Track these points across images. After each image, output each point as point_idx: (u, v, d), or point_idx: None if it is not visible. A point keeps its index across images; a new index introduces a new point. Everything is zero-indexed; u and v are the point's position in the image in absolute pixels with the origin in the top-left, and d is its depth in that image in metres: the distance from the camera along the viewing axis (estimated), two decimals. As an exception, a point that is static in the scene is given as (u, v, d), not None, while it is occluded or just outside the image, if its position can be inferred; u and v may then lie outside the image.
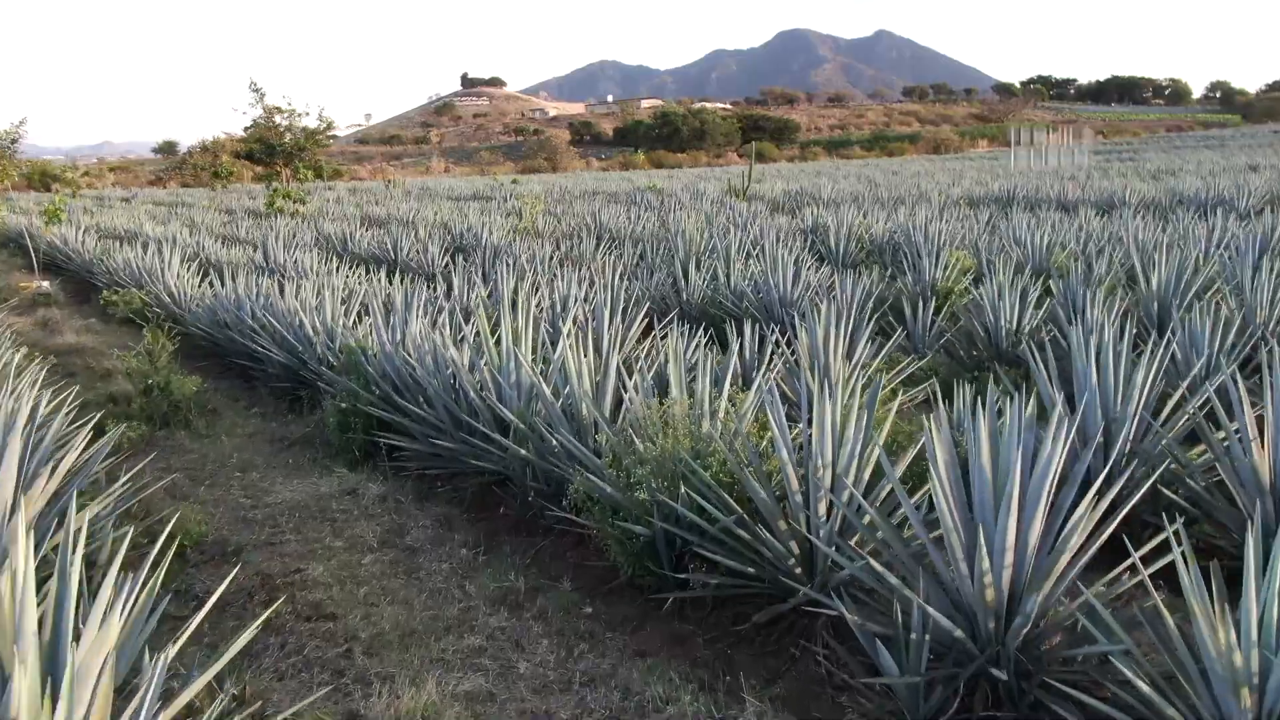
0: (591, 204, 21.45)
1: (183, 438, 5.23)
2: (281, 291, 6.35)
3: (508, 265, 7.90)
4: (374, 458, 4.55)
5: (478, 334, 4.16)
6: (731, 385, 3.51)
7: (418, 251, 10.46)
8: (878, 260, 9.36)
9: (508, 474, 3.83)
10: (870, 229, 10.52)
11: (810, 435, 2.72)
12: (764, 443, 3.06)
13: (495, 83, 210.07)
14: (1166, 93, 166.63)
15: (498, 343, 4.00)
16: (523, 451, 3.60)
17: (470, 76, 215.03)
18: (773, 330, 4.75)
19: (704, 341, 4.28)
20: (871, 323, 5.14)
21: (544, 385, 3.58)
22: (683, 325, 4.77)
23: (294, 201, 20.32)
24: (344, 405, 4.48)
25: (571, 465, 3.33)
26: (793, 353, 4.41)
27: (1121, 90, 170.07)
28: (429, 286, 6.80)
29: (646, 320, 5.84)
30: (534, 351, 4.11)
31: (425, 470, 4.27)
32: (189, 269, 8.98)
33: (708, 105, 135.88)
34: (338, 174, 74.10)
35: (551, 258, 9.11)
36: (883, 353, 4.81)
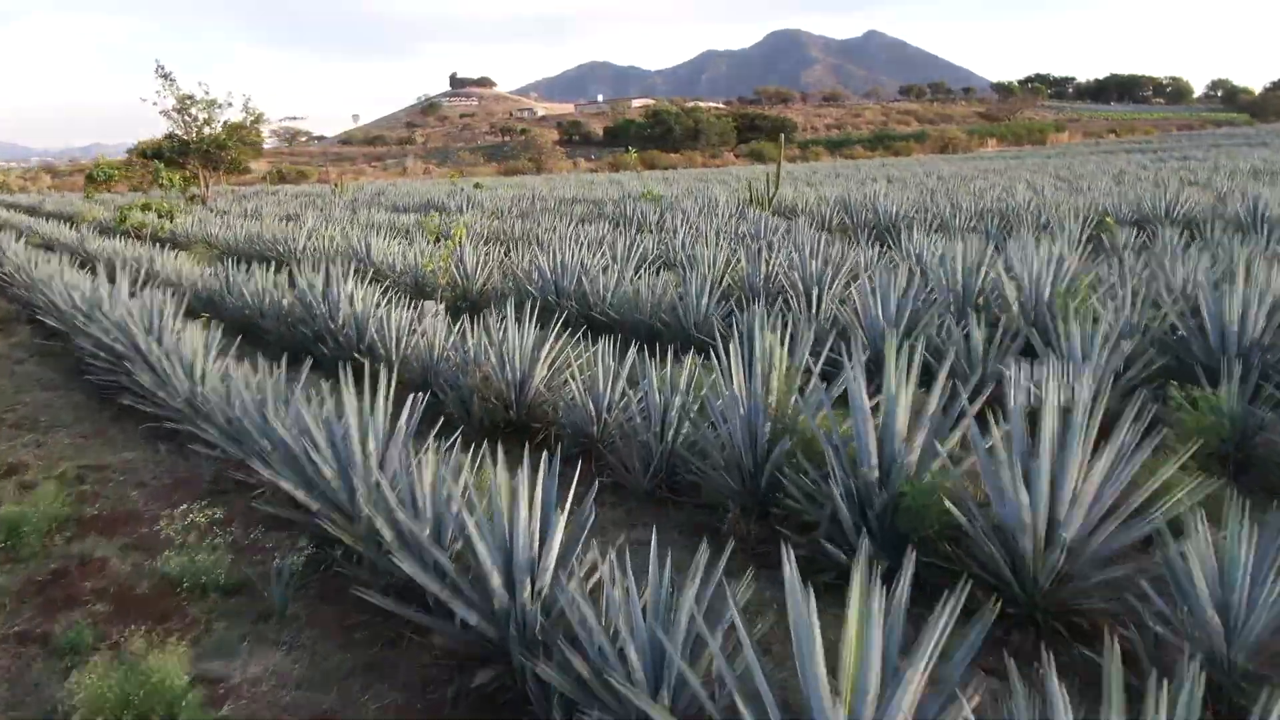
0: (570, 213, 16.05)
1: None
2: None
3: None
4: None
5: None
6: None
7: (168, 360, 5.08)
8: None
9: None
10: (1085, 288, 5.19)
11: None
12: None
13: (484, 83, 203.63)
14: (1167, 91, 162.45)
15: None
16: None
17: (459, 77, 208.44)
18: None
19: None
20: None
21: None
22: None
23: (160, 216, 14.84)
24: None
25: None
26: None
27: (1121, 89, 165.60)
28: None
29: None
30: None
31: None
32: None
33: (701, 104, 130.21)
34: (303, 175, 68.93)
35: (410, 413, 3.78)
36: None
